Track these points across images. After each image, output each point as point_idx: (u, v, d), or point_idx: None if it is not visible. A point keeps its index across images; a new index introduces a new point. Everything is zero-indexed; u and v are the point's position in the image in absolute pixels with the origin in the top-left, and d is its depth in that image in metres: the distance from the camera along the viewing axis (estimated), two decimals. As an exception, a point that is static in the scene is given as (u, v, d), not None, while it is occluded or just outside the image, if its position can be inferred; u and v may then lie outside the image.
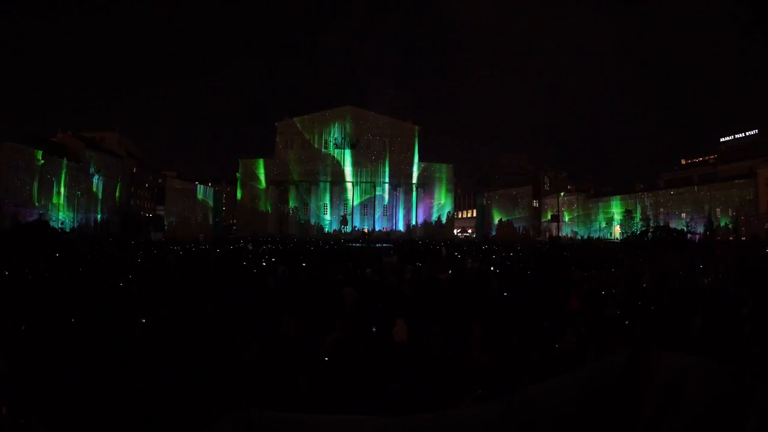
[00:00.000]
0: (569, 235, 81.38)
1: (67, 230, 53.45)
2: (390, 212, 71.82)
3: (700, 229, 60.31)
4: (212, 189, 75.52)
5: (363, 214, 69.37)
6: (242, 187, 67.71)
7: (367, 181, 68.25)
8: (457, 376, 6.01)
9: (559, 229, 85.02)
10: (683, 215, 68.14)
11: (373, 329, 8.76)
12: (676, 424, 2.93)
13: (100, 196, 72.86)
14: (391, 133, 71.53)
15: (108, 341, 7.06)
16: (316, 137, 70.55)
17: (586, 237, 78.44)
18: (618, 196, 79.84)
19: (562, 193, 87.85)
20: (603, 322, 9.21)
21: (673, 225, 57.59)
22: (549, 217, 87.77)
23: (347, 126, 70.21)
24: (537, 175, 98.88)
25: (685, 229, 52.43)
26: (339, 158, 67.74)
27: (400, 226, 69.10)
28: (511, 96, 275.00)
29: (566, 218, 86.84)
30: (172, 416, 4.72)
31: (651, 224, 58.83)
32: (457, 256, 29.15)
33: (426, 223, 69.24)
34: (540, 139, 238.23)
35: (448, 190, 70.24)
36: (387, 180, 68.88)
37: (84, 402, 4.82)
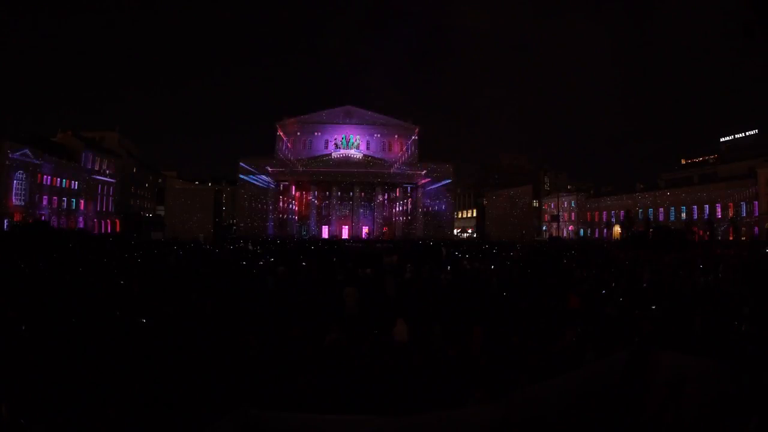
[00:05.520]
0: (569, 235, 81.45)
1: (67, 230, 53.37)
2: (390, 212, 71.78)
3: (700, 229, 60.33)
4: (212, 189, 75.54)
5: (363, 215, 69.34)
6: (242, 187, 67.68)
7: (367, 181, 68.18)
8: (457, 376, 6.01)
9: (559, 229, 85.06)
10: (683, 215, 68.19)
11: (375, 331, 8.76)
12: (677, 424, 2.93)
13: (99, 196, 72.89)
14: (391, 133, 71.49)
15: (108, 341, 7.06)
16: (316, 137, 70.51)
17: (586, 237, 78.57)
18: (618, 196, 79.90)
19: (563, 195, 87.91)
20: (603, 322, 9.21)
21: (673, 225, 57.67)
22: (549, 217, 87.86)
23: (347, 126, 70.19)
24: (537, 175, 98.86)
25: (684, 229, 52.46)
26: (339, 158, 67.71)
27: (400, 227, 69.07)
28: (511, 96, 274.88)
29: (566, 218, 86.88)
30: (172, 416, 4.72)
31: (651, 224, 58.82)
32: (457, 255, 29.17)
33: (426, 223, 69.17)
34: (540, 139, 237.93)
35: (447, 190, 70.23)
36: (387, 180, 68.80)
37: (83, 402, 4.82)
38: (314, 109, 71.90)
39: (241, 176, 66.12)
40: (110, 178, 75.34)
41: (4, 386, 4.70)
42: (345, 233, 67.50)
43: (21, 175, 55.60)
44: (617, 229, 73.34)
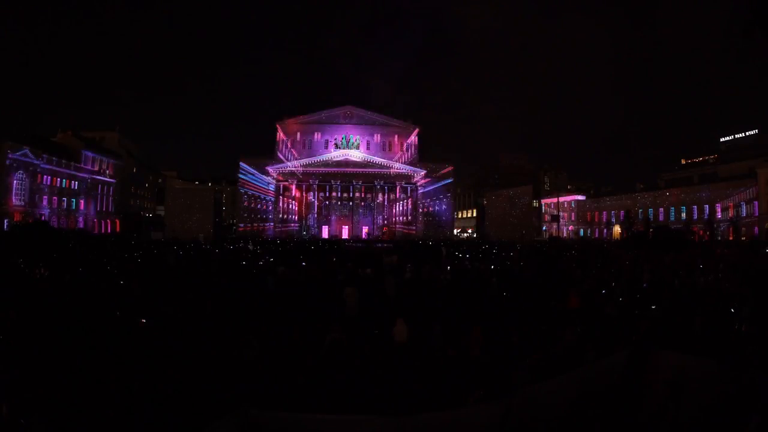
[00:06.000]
0: (569, 235, 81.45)
1: (67, 230, 53.36)
2: (390, 212, 71.75)
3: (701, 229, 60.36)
4: (212, 189, 75.55)
5: (363, 215, 69.35)
6: (242, 187, 67.74)
7: (367, 182, 68.19)
8: (457, 376, 6.01)
9: (559, 229, 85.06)
10: (683, 215, 68.20)
11: (375, 331, 8.76)
12: (676, 424, 2.93)
13: (99, 196, 72.88)
14: (391, 133, 71.49)
15: (108, 341, 7.06)
16: (316, 137, 70.51)
17: (586, 237, 78.56)
18: (618, 196, 79.91)
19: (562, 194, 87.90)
20: (603, 322, 9.21)
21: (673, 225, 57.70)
22: (549, 217, 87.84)
23: (347, 126, 70.18)
24: (537, 175, 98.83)
25: (684, 229, 52.47)
26: (339, 158, 67.73)
27: (400, 226, 69.05)
28: (512, 96, 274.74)
29: (566, 218, 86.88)
30: (172, 416, 4.72)
31: (651, 224, 58.83)
32: (458, 255, 29.17)
33: (426, 223, 69.16)
34: (540, 139, 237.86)
35: (447, 190, 70.27)
36: (387, 180, 68.82)
37: (84, 401, 4.82)
38: (314, 109, 71.86)
39: (241, 176, 66.14)
40: (110, 178, 75.34)
41: (4, 386, 4.70)
42: (345, 233, 67.47)
43: (21, 175, 55.59)
44: (617, 229, 73.34)
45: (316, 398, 5.34)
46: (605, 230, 79.09)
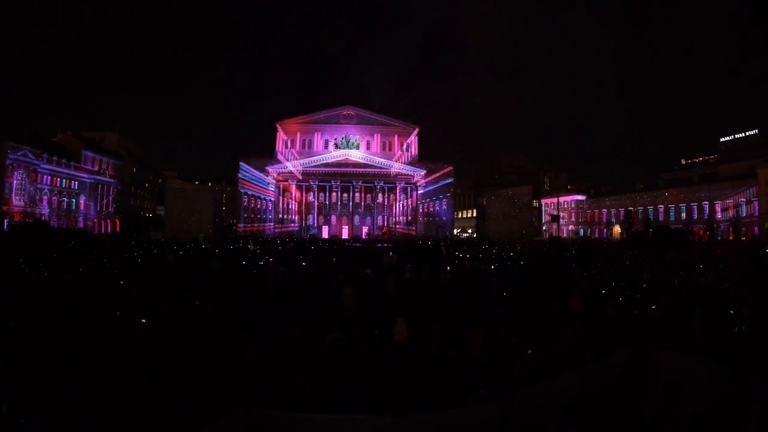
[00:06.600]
0: (569, 235, 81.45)
1: (67, 230, 53.36)
2: (390, 212, 71.77)
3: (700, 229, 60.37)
4: (212, 189, 75.55)
5: (363, 215, 69.39)
6: (242, 187, 67.75)
7: (367, 182, 68.23)
8: (457, 376, 6.01)
9: (559, 229, 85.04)
10: (683, 215, 68.23)
11: (375, 331, 8.75)
12: (676, 424, 2.93)
13: (99, 196, 72.88)
14: (391, 133, 71.55)
15: (108, 341, 7.06)
16: (316, 137, 70.55)
17: (586, 237, 78.58)
18: (618, 196, 79.94)
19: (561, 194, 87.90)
20: (603, 322, 9.21)
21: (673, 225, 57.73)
22: (549, 217, 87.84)
23: (347, 126, 70.22)
24: (537, 175, 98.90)
25: (684, 229, 52.49)
26: (339, 158, 67.77)
27: (400, 226, 69.05)
28: (511, 96, 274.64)
29: (566, 218, 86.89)
30: (172, 416, 4.72)
31: (651, 224, 58.84)
32: (458, 255, 29.18)
33: (426, 223, 69.18)
34: (540, 139, 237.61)
35: (447, 190, 70.28)
36: (387, 180, 68.86)
37: (84, 401, 4.82)
38: (314, 109, 71.85)
39: (241, 176, 66.12)
40: (110, 178, 75.36)
41: (4, 386, 4.70)
42: (345, 233, 67.51)
43: (21, 175, 55.60)
44: (617, 229, 73.35)
45: (316, 398, 5.34)
46: (605, 230, 79.10)
